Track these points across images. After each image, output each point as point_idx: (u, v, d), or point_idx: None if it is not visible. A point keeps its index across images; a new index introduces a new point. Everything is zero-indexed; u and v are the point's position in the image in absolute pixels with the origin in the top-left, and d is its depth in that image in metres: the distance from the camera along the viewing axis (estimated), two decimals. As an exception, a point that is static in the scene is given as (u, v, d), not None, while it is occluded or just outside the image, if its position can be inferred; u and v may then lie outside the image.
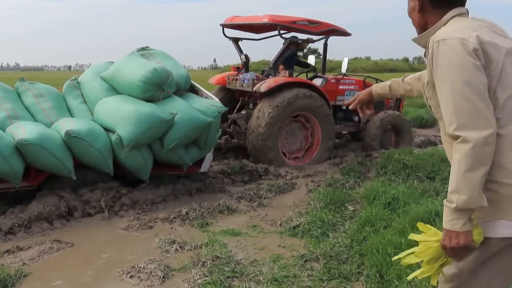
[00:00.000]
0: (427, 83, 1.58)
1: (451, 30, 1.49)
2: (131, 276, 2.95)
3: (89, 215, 4.02)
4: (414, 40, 1.65)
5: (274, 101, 5.75)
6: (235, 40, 6.78)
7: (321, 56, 7.76)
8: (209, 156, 4.91)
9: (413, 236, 1.61)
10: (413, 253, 1.59)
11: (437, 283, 1.63)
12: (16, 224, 3.62)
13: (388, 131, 6.94)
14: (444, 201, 1.46)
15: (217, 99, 4.96)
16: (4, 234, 3.55)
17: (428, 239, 1.55)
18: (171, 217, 3.98)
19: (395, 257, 1.69)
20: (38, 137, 3.72)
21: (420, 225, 1.60)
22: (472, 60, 1.41)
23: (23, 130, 3.79)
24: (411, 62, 54.64)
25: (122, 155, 4.06)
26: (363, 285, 2.79)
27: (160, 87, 4.38)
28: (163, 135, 4.23)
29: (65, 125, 3.99)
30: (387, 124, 6.86)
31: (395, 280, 2.66)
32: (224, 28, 6.64)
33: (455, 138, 1.42)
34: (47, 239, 3.53)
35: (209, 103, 4.68)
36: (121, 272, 3.00)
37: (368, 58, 52.68)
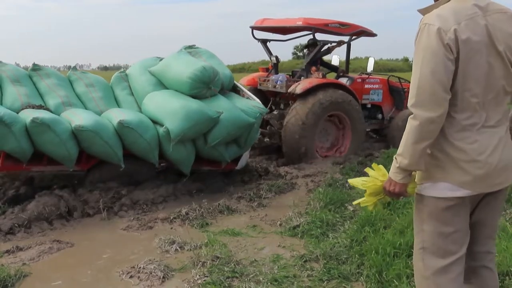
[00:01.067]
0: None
1: (439, 14, 1.66)
2: (131, 276, 2.95)
3: (89, 215, 4.02)
4: (419, 10, 1.84)
5: (309, 102, 5.87)
6: (264, 42, 6.90)
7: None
8: (246, 154, 5.07)
9: (368, 170, 1.96)
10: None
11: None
12: (16, 224, 3.63)
13: None
14: (394, 156, 1.78)
15: (258, 100, 5.06)
16: (4, 234, 3.55)
17: (376, 177, 1.90)
18: (171, 217, 3.98)
19: (351, 180, 2.02)
20: (94, 124, 3.90)
21: (374, 165, 1.94)
22: (445, 52, 1.62)
23: (80, 117, 3.97)
24: (411, 62, 54.48)
25: (169, 148, 4.19)
26: (362, 285, 2.79)
27: (207, 85, 4.51)
28: (207, 131, 4.35)
29: (117, 115, 4.14)
30: None
31: (394, 280, 2.66)
32: (254, 30, 6.76)
33: (410, 113, 1.69)
34: (47, 239, 3.53)
35: (251, 104, 4.80)
36: (121, 272, 3.00)
37: (368, 58, 52.47)
